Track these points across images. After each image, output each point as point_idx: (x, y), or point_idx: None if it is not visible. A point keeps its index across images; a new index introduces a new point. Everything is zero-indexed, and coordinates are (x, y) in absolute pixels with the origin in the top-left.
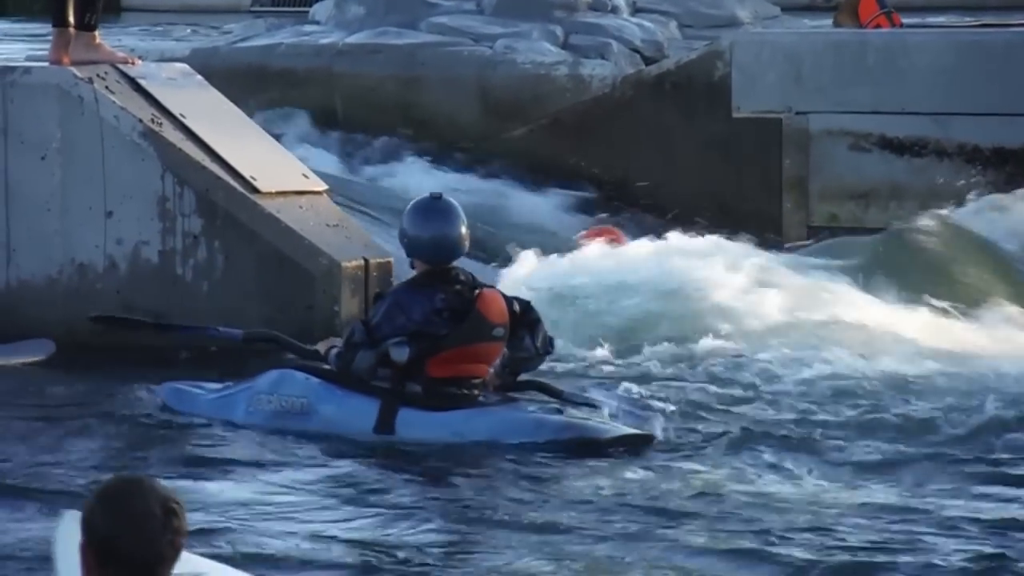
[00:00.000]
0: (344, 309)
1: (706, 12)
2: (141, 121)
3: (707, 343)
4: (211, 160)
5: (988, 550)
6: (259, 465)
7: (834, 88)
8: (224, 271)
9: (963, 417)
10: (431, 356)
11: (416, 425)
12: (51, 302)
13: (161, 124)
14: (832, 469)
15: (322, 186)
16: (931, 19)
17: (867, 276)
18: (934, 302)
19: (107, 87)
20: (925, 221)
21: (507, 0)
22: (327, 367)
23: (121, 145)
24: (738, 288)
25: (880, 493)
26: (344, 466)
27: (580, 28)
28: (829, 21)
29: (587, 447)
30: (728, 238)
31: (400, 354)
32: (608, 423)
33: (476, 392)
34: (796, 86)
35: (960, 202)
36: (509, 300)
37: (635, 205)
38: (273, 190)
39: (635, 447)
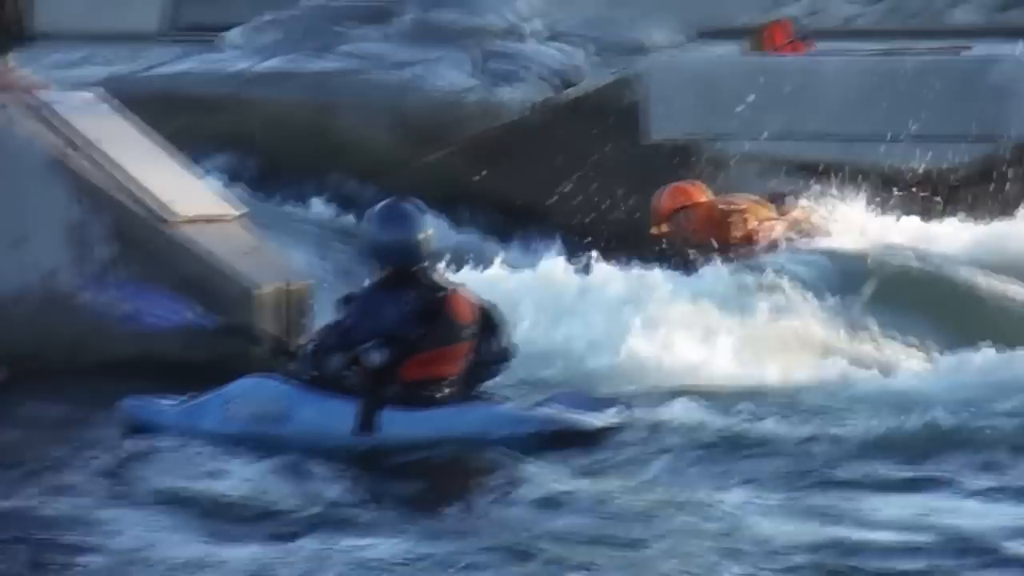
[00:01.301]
0: (259, 334)
1: (620, 38)
2: (53, 148)
3: (629, 366)
4: (123, 187)
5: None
6: (240, 473)
7: (746, 113)
8: None
9: (888, 432)
10: (405, 359)
11: (400, 424)
12: None
13: (73, 151)
14: (781, 477)
15: (237, 211)
16: (843, 45)
17: (779, 294)
18: (852, 323)
19: (19, 114)
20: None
21: (420, 26)
22: (295, 370)
23: (33, 172)
24: (656, 313)
25: (836, 505)
26: (327, 469)
27: (494, 54)
28: (742, 47)
29: (572, 439)
30: (643, 263)
31: (375, 358)
32: (589, 415)
33: (448, 391)
34: (709, 111)
35: (872, 225)
36: (474, 300)
37: (550, 229)
38: (187, 216)
39: (611, 435)
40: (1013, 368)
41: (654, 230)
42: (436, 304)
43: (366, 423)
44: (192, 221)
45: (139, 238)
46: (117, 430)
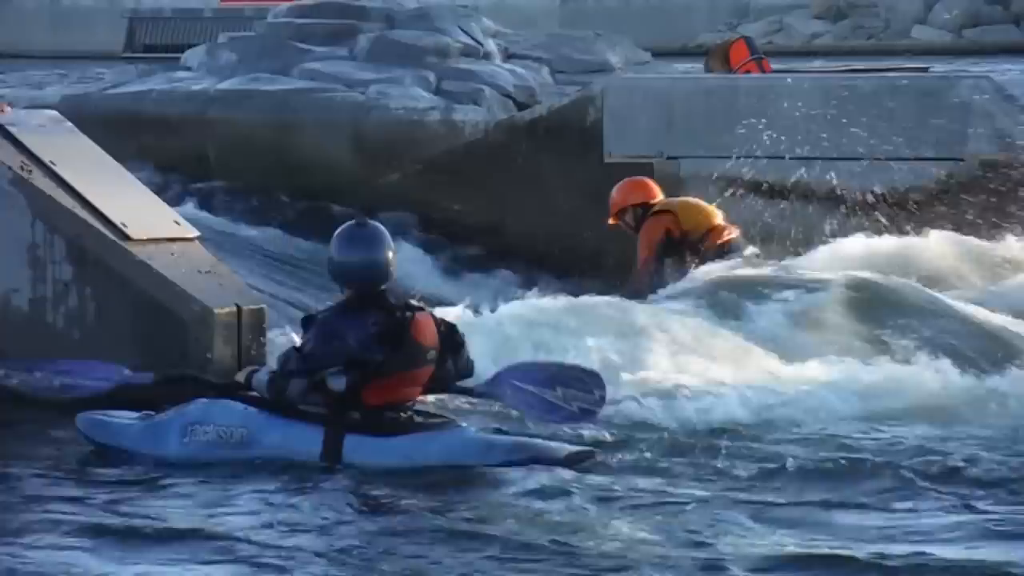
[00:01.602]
0: (216, 355)
1: (578, 58)
2: (11, 168)
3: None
4: (82, 207)
5: None
6: (203, 498)
7: (705, 133)
8: (96, 318)
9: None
10: (368, 383)
11: (364, 451)
12: None
13: (31, 171)
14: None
15: (194, 233)
16: (801, 64)
17: (736, 317)
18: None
19: None
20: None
21: (380, 46)
22: (255, 395)
23: None
24: (619, 335)
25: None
26: (293, 496)
27: (453, 74)
28: (700, 66)
29: (537, 465)
30: (599, 283)
31: (338, 383)
32: (554, 442)
33: (410, 414)
34: (667, 131)
35: (829, 244)
36: (437, 321)
37: (509, 250)
38: (144, 237)
39: (581, 463)
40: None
41: (610, 221)
42: (399, 327)
43: (331, 451)
44: (150, 241)
45: (98, 258)
46: (75, 449)
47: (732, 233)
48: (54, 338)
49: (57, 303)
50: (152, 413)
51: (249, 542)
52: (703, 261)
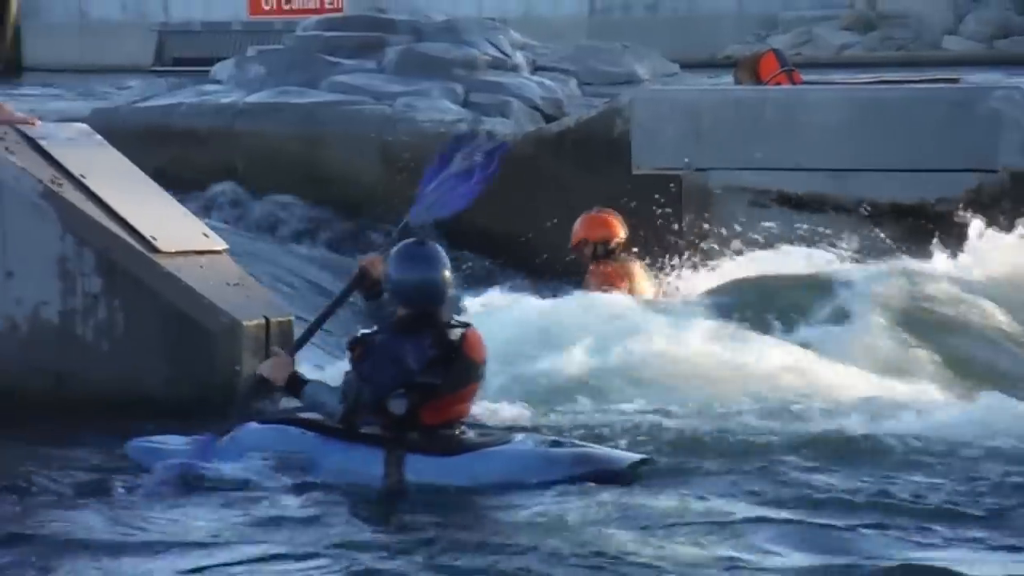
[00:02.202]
0: (245, 368)
1: (605, 70)
2: (41, 182)
3: (629, 397)
4: (111, 220)
5: None
6: (269, 525)
7: (733, 144)
8: (125, 330)
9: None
10: (425, 404)
11: (427, 471)
12: None
13: (61, 185)
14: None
15: (222, 245)
16: (831, 76)
17: (768, 323)
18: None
19: (7, 148)
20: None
21: (408, 59)
22: (307, 417)
23: (21, 206)
24: (652, 344)
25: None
26: (358, 520)
27: (480, 86)
28: (728, 78)
29: (600, 477)
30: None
31: (399, 407)
32: (614, 451)
33: (463, 430)
34: (695, 143)
35: (858, 258)
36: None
37: (535, 262)
38: (173, 249)
39: (641, 469)
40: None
41: (570, 246)
42: (452, 345)
43: (393, 472)
44: (179, 254)
45: (127, 271)
46: (124, 471)
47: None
48: (83, 350)
49: (87, 315)
50: (200, 437)
51: (305, 559)
52: None
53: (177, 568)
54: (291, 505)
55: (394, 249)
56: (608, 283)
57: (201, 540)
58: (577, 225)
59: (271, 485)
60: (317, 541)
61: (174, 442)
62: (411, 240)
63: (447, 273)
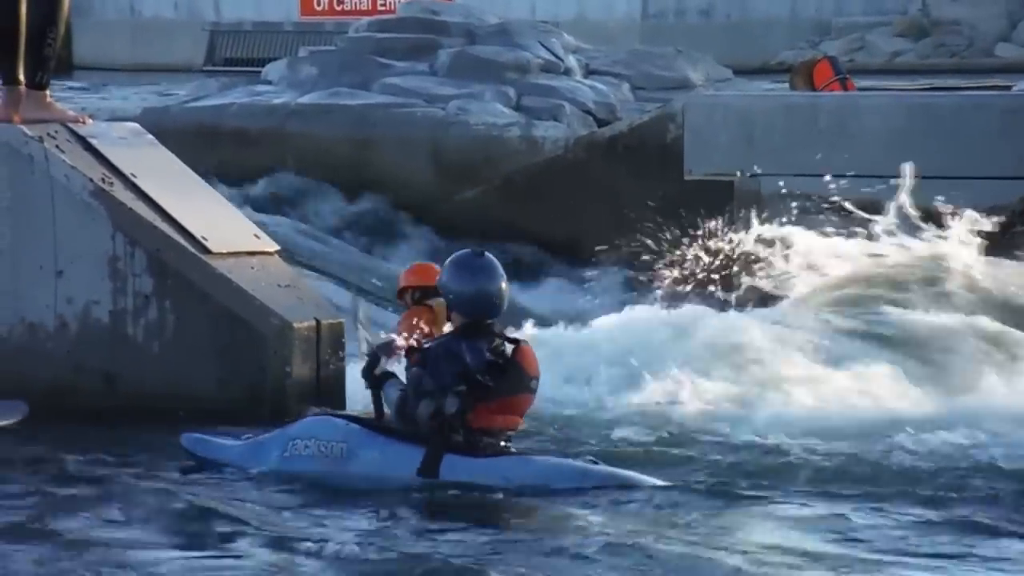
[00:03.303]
0: (295, 370)
1: (659, 74)
2: (92, 180)
3: (688, 404)
4: (162, 220)
5: None
6: (300, 509)
7: (786, 151)
8: (175, 331)
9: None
10: (475, 407)
11: (461, 469)
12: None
13: (112, 183)
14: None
15: (273, 246)
16: (883, 82)
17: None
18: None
19: (57, 146)
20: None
21: (460, 62)
22: (357, 415)
23: (71, 204)
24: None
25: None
26: (389, 510)
27: (533, 90)
28: (780, 84)
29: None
30: (679, 300)
31: (451, 405)
32: (646, 476)
33: (508, 440)
34: (748, 148)
35: (908, 263)
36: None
37: (587, 266)
38: (224, 250)
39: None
40: None
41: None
42: (505, 355)
43: (430, 467)
44: (230, 255)
45: (178, 271)
46: (175, 464)
47: None
48: (134, 351)
49: (137, 316)
50: (250, 436)
51: (331, 546)
52: None
53: (216, 554)
54: (322, 494)
55: (451, 259)
56: (414, 326)
57: (236, 528)
58: (400, 276)
59: (306, 473)
60: (343, 529)
61: (226, 441)
62: (468, 251)
63: (504, 285)
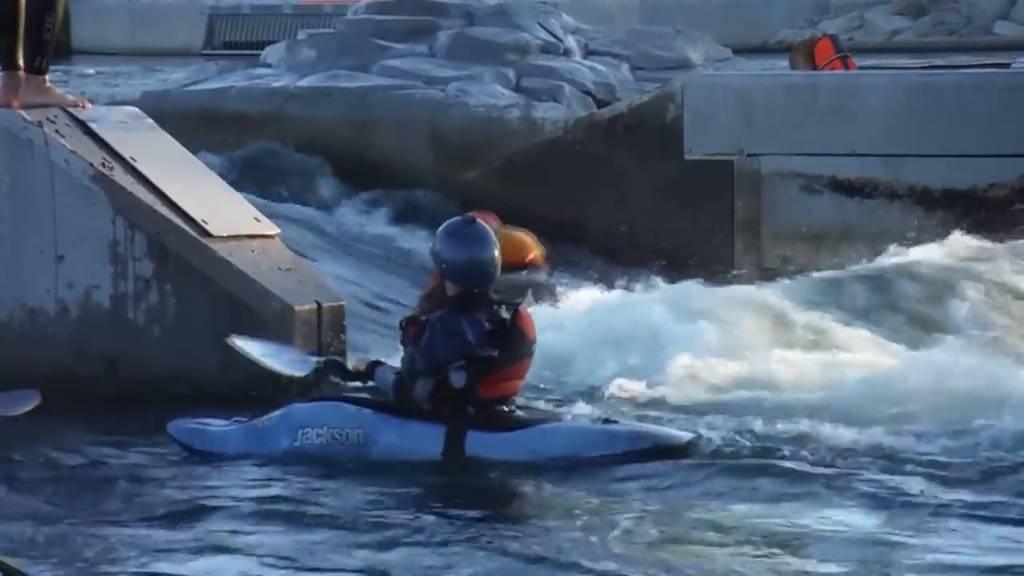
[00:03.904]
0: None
1: (658, 54)
2: (91, 165)
3: (686, 385)
4: (162, 204)
5: None
6: (326, 495)
7: (785, 130)
8: (176, 315)
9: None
10: (482, 378)
11: (488, 446)
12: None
13: (112, 168)
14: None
15: (274, 230)
16: (882, 61)
17: (829, 313)
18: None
19: (57, 131)
20: (879, 262)
21: (459, 43)
22: (368, 397)
23: (71, 189)
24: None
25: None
26: (417, 493)
27: (532, 71)
28: (780, 63)
29: (658, 453)
30: (679, 280)
31: (458, 379)
32: (667, 428)
33: (514, 408)
34: (748, 128)
35: (910, 243)
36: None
37: (587, 248)
38: (225, 234)
39: (695, 448)
40: None
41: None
42: (504, 322)
43: (454, 446)
44: (230, 238)
45: (179, 255)
46: (176, 454)
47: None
48: (134, 335)
49: (138, 300)
50: (243, 419)
51: (364, 534)
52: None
53: (233, 545)
54: (347, 481)
55: (443, 227)
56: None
57: (253, 517)
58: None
59: (327, 461)
60: (375, 518)
61: (215, 424)
62: (460, 218)
63: (496, 252)
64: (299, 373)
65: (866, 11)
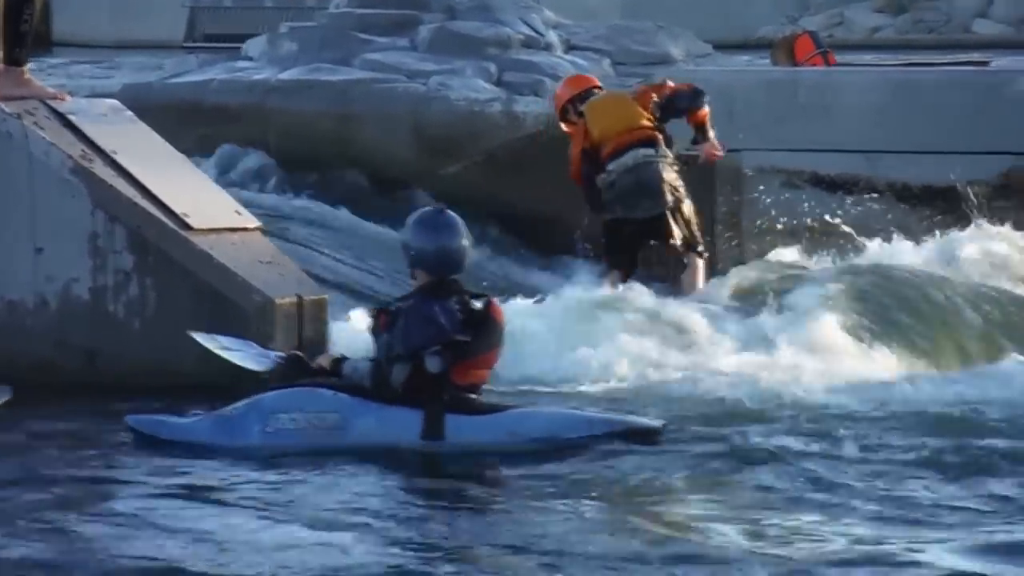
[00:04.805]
0: (277, 346)
1: (639, 50)
2: (71, 157)
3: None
4: (142, 197)
5: None
6: (304, 482)
7: (766, 126)
8: (156, 308)
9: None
10: (456, 364)
11: (468, 429)
12: None
13: (92, 160)
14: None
15: (255, 223)
16: (862, 58)
17: (810, 311)
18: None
19: (36, 123)
20: (859, 258)
21: (441, 37)
22: (339, 381)
23: (51, 182)
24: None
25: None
26: (398, 477)
27: (514, 65)
28: (761, 59)
29: (633, 438)
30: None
31: (434, 364)
32: (639, 416)
33: (483, 396)
34: (729, 123)
35: (890, 239)
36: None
37: (568, 241)
38: (205, 227)
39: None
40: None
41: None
42: (475, 310)
43: (434, 429)
44: (211, 231)
45: (159, 248)
46: (151, 446)
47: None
48: (115, 328)
49: (118, 293)
50: (201, 413)
51: (345, 518)
52: (596, 170)
53: (214, 537)
54: (326, 467)
55: (412, 217)
56: (575, 147)
57: (232, 506)
58: (555, 95)
59: (298, 449)
60: (355, 501)
61: (175, 419)
62: (430, 208)
63: (466, 242)
64: (259, 368)
65: (846, 8)
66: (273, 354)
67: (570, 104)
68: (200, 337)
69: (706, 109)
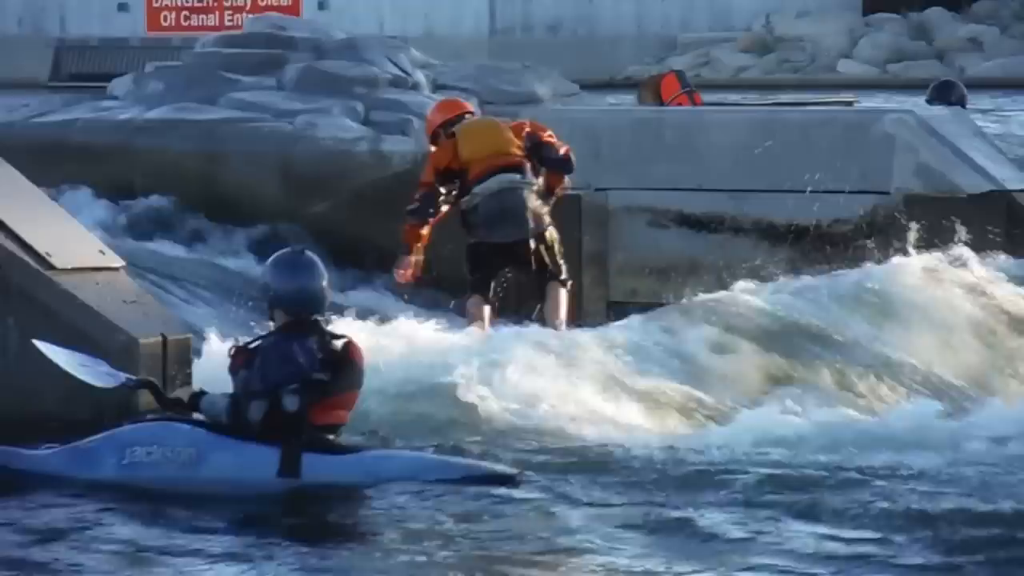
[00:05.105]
0: None
1: (506, 89)
2: None
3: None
4: (5, 236)
5: None
6: (156, 519)
7: (633, 165)
8: (20, 349)
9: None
10: (315, 404)
11: (324, 468)
12: None
13: None
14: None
15: (119, 262)
16: (730, 97)
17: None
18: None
19: None
20: (721, 295)
21: (307, 76)
22: (200, 417)
23: None
24: (549, 367)
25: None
26: (250, 514)
27: (381, 104)
28: (627, 98)
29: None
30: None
31: (292, 403)
32: (496, 464)
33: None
34: (595, 162)
35: (756, 278)
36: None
37: (436, 282)
38: (69, 266)
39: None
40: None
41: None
42: (335, 351)
43: (290, 467)
44: (75, 271)
45: (22, 288)
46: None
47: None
48: None
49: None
50: (55, 446)
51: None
52: (462, 193)
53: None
54: (176, 502)
55: (272, 258)
56: (437, 162)
57: (75, 541)
58: (427, 116)
59: (153, 482)
60: (208, 539)
61: (29, 451)
62: (289, 248)
63: (324, 282)
64: (106, 385)
65: (712, 48)
66: (123, 375)
67: (441, 129)
68: (44, 347)
69: (566, 183)
